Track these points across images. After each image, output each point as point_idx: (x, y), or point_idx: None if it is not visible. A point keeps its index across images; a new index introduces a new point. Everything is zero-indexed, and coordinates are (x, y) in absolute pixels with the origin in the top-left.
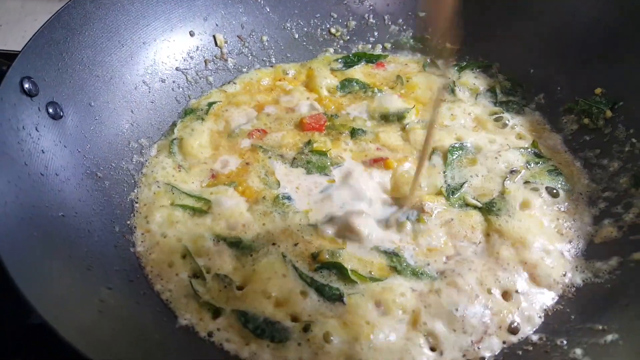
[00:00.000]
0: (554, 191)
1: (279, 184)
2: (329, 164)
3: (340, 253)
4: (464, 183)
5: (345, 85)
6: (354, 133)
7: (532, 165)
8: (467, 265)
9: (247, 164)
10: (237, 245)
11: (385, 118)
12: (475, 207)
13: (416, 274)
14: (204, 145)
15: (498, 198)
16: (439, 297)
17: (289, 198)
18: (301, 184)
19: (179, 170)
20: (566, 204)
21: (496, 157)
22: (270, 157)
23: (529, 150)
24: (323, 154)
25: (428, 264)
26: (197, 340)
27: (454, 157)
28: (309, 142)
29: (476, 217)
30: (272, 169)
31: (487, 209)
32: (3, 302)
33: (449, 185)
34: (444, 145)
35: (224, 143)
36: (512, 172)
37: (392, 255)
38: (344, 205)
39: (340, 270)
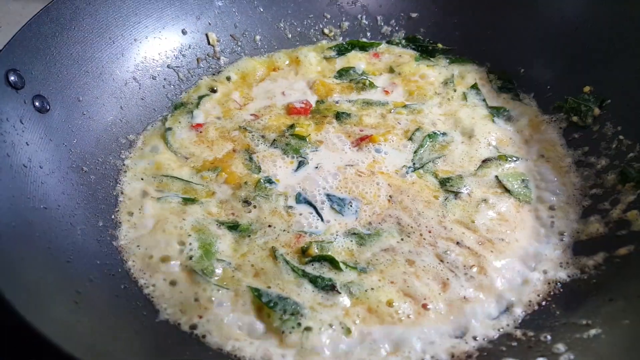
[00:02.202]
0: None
1: (259, 169)
2: (306, 147)
3: (329, 247)
4: (429, 162)
5: (343, 74)
6: (338, 116)
7: (506, 166)
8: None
9: (234, 150)
10: (235, 228)
11: (369, 103)
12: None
13: (378, 234)
14: (192, 137)
15: (456, 177)
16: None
17: (270, 182)
18: (279, 164)
19: (168, 161)
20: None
21: (470, 152)
22: (253, 138)
23: (509, 157)
24: (302, 138)
25: (380, 223)
26: (178, 334)
27: (430, 141)
28: (292, 126)
29: (432, 185)
30: (254, 149)
31: (442, 183)
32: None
33: (414, 163)
34: (428, 129)
35: (215, 133)
36: (484, 161)
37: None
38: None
39: (331, 262)
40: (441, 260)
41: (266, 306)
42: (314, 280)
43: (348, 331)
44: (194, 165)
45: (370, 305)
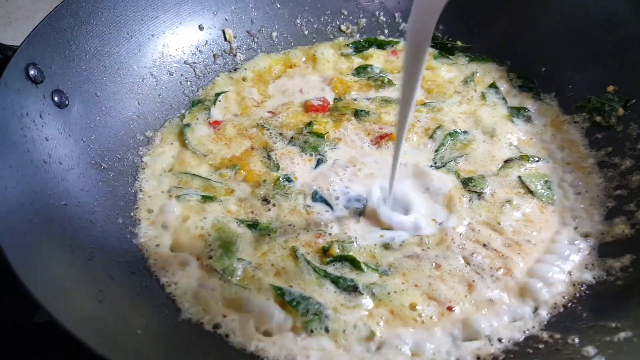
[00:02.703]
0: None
1: (278, 167)
2: (325, 145)
3: (351, 247)
4: (450, 161)
5: (360, 72)
6: (357, 114)
7: (528, 167)
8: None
9: (252, 148)
10: (255, 226)
11: (387, 101)
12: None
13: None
14: (210, 134)
15: (479, 176)
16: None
17: (288, 180)
18: (297, 162)
19: (186, 158)
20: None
21: (492, 151)
22: (271, 135)
23: (531, 158)
24: (320, 135)
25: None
26: (201, 333)
27: (451, 139)
28: (309, 124)
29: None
30: (272, 147)
31: (465, 183)
32: (7, 300)
33: (435, 162)
34: (449, 127)
35: (233, 131)
36: (507, 161)
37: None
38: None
39: (352, 263)
40: (468, 263)
41: (289, 305)
42: (335, 281)
43: (372, 333)
44: (212, 162)
45: (393, 308)
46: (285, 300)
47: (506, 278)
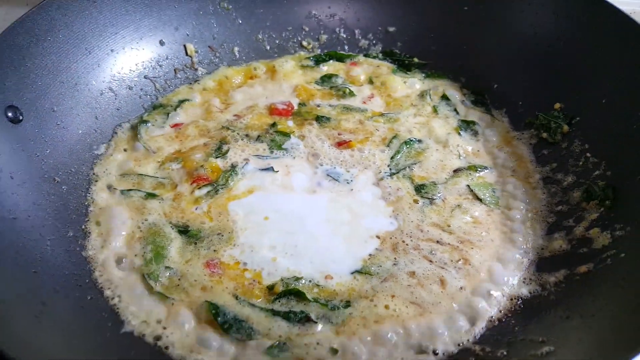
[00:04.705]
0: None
1: (225, 154)
2: (290, 141)
3: (295, 284)
4: (405, 168)
5: (325, 80)
6: (319, 119)
7: (476, 176)
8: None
9: (205, 145)
10: (185, 232)
11: (348, 109)
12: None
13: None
14: (170, 134)
15: (430, 183)
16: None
17: (233, 166)
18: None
19: (135, 156)
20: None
21: (444, 160)
22: (235, 137)
23: (479, 167)
24: (286, 134)
25: None
26: (142, 346)
27: (407, 147)
28: (273, 124)
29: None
30: (229, 141)
31: (417, 189)
32: None
33: (390, 169)
34: (405, 136)
35: (195, 131)
36: (456, 171)
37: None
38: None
39: (298, 295)
40: (430, 261)
41: (220, 327)
42: (286, 317)
43: (334, 351)
44: (160, 160)
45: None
46: (218, 322)
47: (467, 267)
